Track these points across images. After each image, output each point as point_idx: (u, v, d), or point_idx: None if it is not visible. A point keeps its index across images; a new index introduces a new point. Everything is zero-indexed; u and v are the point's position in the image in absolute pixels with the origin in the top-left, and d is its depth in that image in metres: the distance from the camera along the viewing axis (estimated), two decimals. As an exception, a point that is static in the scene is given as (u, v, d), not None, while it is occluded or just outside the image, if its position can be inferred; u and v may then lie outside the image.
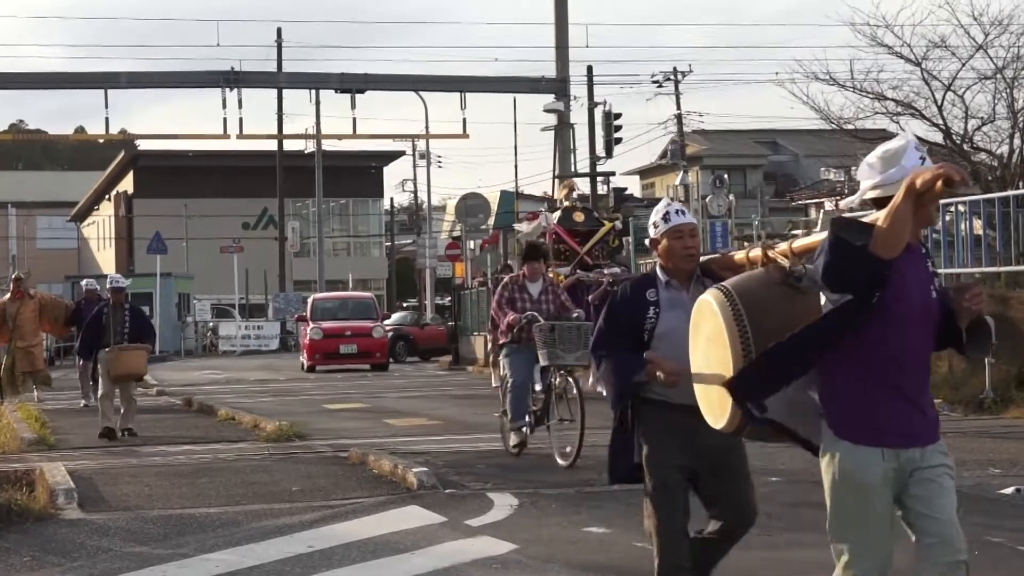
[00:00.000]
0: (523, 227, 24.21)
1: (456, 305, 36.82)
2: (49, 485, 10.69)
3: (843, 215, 5.23)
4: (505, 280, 13.20)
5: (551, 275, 22.17)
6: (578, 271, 22.03)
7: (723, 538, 6.16)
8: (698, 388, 5.24)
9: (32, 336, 20.83)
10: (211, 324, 52.28)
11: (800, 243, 5.08)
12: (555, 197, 26.12)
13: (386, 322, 39.37)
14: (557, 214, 24.74)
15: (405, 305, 58.48)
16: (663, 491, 5.95)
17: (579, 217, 24.36)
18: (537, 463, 12.23)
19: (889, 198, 4.56)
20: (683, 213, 6.02)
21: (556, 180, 34.78)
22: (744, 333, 4.85)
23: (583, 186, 26.50)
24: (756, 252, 5.28)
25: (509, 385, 12.62)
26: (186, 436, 15.79)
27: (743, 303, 4.92)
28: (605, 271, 21.12)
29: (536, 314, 12.41)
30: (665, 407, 5.87)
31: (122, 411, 15.86)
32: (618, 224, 25.88)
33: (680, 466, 5.95)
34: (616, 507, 9.64)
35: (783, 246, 5.11)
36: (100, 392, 15.93)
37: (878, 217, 4.57)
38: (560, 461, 11.99)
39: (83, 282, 23.67)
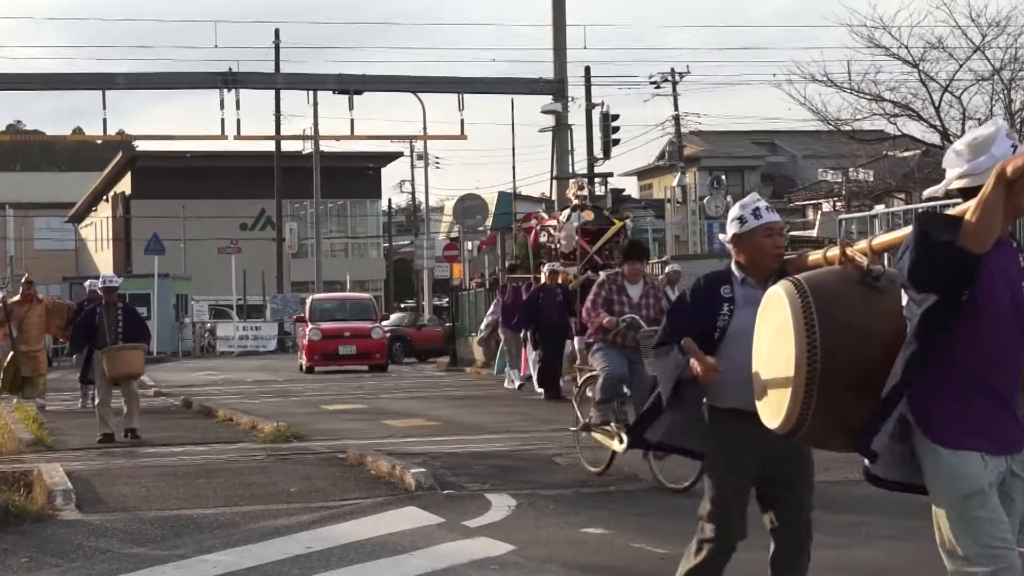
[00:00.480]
0: (559, 235, 23.80)
1: (454, 306, 36.79)
2: (47, 486, 10.68)
3: (928, 210, 4.97)
4: (602, 278, 11.98)
5: (563, 277, 21.94)
6: (588, 271, 21.68)
7: (778, 566, 5.93)
8: (757, 383, 5.01)
9: (36, 341, 20.66)
10: (209, 325, 52.24)
11: (880, 240, 4.84)
12: (565, 195, 25.51)
13: (383, 323, 39.37)
14: (566, 212, 24.42)
15: (403, 306, 58.47)
16: (722, 503, 5.74)
17: (589, 216, 23.97)
18: (534, 464, 12.23)
19: (977, 189, 4.31)
20: (771, 209, 5.76)
21: (554, 181, 34.75)
22: (811, 327, 4.62)
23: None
24: (834, 252, 5.01)
25: (604, 374, 11.18)
26: (184, 437, 15.78)
27: (814, 296, 4.67)
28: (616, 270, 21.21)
29: (637, 317, 11.18)
30: (734, 414, 5.56)
31: (125, 410, 15.53)
32: (629, 223, 25.55)
33: (746, 476, 5.71)
34: (614, 508, 9.65)
35: (862, 244, 4.87)
36: (98, 398, 15.66)
37: (965, 209, 4.33)
38: (667, 484, 10.55)
39: (87, 283, 23.17)
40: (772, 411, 4.85)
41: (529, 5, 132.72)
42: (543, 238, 24.76)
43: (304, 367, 33.16)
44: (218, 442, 15.05)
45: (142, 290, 44.01)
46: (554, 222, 24.31)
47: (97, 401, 15.63)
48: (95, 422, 16.12)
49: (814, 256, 5.29)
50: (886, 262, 4.93)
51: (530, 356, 22.22)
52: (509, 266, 25.32)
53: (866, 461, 4.48)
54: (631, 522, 9.05)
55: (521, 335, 22.40)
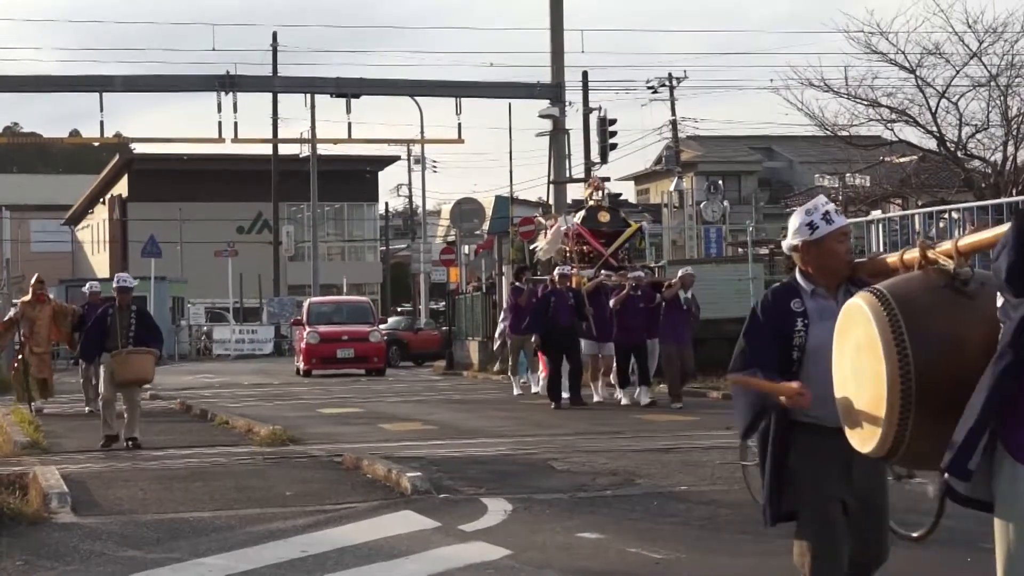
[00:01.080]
0: (540, 243, 23.50)
1: (451, 310, 36.79)
2: (42, 489, 10.67)
3: None
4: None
5: (575, 280, 20.99)
6: (601, 273, 21.32)
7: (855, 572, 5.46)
8: (842, 405, 4.63)
9: (46, 342, 20.30)
10: (205, 328, 52.24)
11: (967, 241, 4.47)
12: (582, 196, 24.72)
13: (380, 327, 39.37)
14: (581, 214, 23.69)
15: (400, 310, 58.46)
16: (824, 525, 5.24)
17: (604, 217, 23.23)
18: (530, 469, 12.23)
19: None
20: (840, 212, 5.32)
21: (551, 185, 34.74)
22: (901, 343, 4.26)
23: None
24: (912, 254, 4.66)
25: None
26: (180, 440, 15.76)
27: (900, 307, 4.32)
28: (628, 274, 20.52)
29: None
30: (818, 431, 5.15)
31: (126, 419, 14.99)
32: (645, 225, 25.05)
33: (838, 496, 5.26)
34: (609, 513, 9.65)
35: (946, 245, 4.52)
36: (102, 398, 15.28)
37: None
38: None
39: (86, 286, 22.57)
40: (864, 435, 4.51)
41: (527, 10, 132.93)
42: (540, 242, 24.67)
43: (301, 371, 33.08)
44: (214, 445, 15.04)
45: (138, 293, 43.89)
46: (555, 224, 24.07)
47: (102, 400, 15.26)
48: (91, 425, 16.11)
49: (891, 259, 4.89)
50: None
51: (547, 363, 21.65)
52: (518, 268, 24.66)
53: (946, 476, 4.10)
54: (627, 527, 9.06)
55: (534, 339, 21.27)
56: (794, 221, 5.31)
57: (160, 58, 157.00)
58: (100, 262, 70.33)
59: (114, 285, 15.54)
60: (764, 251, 27.53)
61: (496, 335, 25.76)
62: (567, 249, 23.58)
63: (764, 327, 5.26)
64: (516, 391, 22.64)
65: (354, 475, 11.94)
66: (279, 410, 20.48)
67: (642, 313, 19.40)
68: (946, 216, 20.69)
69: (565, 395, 19.78)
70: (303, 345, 33.24)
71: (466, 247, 41.21)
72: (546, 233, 23.72)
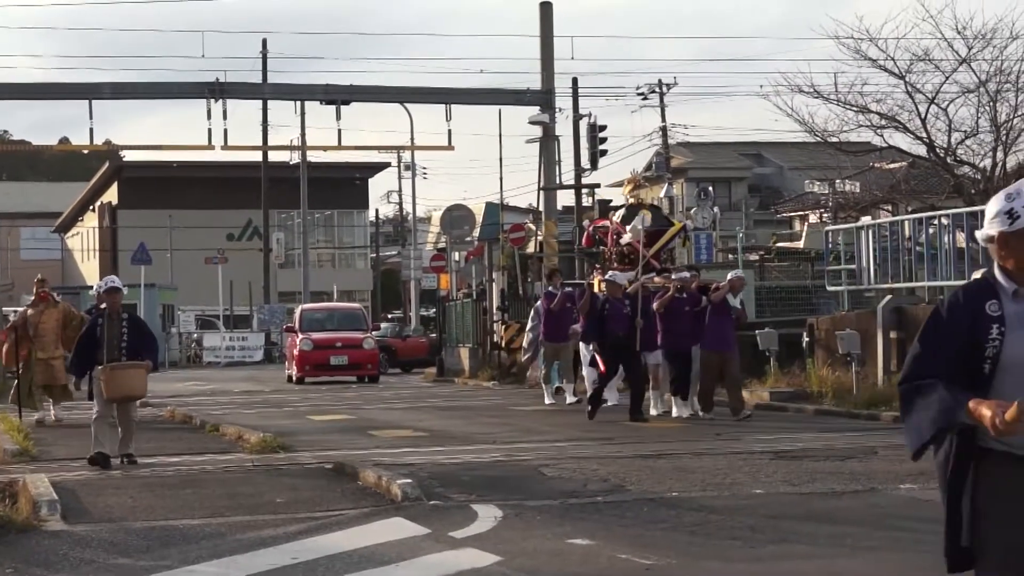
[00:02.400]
0: (626, 238, 21.03)
1: (441, 317, 36.79)
2: (32, 496, 10.65)
3: None
4: None
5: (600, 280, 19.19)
6: (642, 276, 19.58)
7: None
8: None
9: (53, 347, 18.61)
10: (195, 335, 52.19)
11: None
12: (622, 193, 22.63)
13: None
14: (621, 212, 21.83)
15: (390, 317, 58.46)
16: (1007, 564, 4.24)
17: (647, 216, 21.53)
18: (521, 475, 12.23)
19: None
20: None
21: (541, 192, 34.74)
22: None
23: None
24: None
25: None
26: (170, 447, 15.72)
27: None
28: (673, 276, 19.22)
29: None
30: (1011, 461, 4.24)
31: (120, 434, 13.84)
32: (688, 224, 22.63)
33: None
34: (600, 519, 9.65)
35: None
36: (95, 413, 13.73)
37: None
38: None
39: (94, 286, 19.91)
40: None
41: (517, 17, 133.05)
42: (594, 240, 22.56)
43: (294, 378, 32.97)
44: (204, 453, 15.01)
45: (128, 300, 43.84)
46: (607, 223, 21.68)
47: (94, 415, 13.74)
48: (83, 432, 15.91)
49: None
50: None
51: (583, 371, 20.83)
52: (551, 271, 23.35)
53: None
54: (617, 533, 9.05)
55: (590, 347, 19.47)
56: (991, 207, 4.38)
57: (150, 65, 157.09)
58: (90, 270, 70.23)
59: (101, 289, 14.08)
60: (754, 257, 27.62)
61: (525, 343, 24.46)
62: (606, 250, 22.08)
63: (948, 331, 4.31)
64: (548, 400, 21.55)
65: (344, 482, 11.93)
66: (270, 417, 20.45)
67: (687, 317, 18.17)
68: (935, 222, 20.74)
69: (612, 401, 19.01)
70: (296, 352, 33.10)
71: (456, 254, 41.26)
72: (613, 230, 21.56)
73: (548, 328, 21.50)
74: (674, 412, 18.45)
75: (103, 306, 13.94)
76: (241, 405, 24.13)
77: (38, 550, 8.99)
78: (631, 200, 21.47)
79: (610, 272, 19.47)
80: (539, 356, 22.80)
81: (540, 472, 12.32)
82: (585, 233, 22.36)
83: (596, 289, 19.75)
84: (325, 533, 9.40)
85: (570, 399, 21.30)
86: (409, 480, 11.10)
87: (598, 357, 18.80)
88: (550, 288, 21.94)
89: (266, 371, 41.42)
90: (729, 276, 18.84)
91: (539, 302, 23.24)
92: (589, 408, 18.21)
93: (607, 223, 21.21)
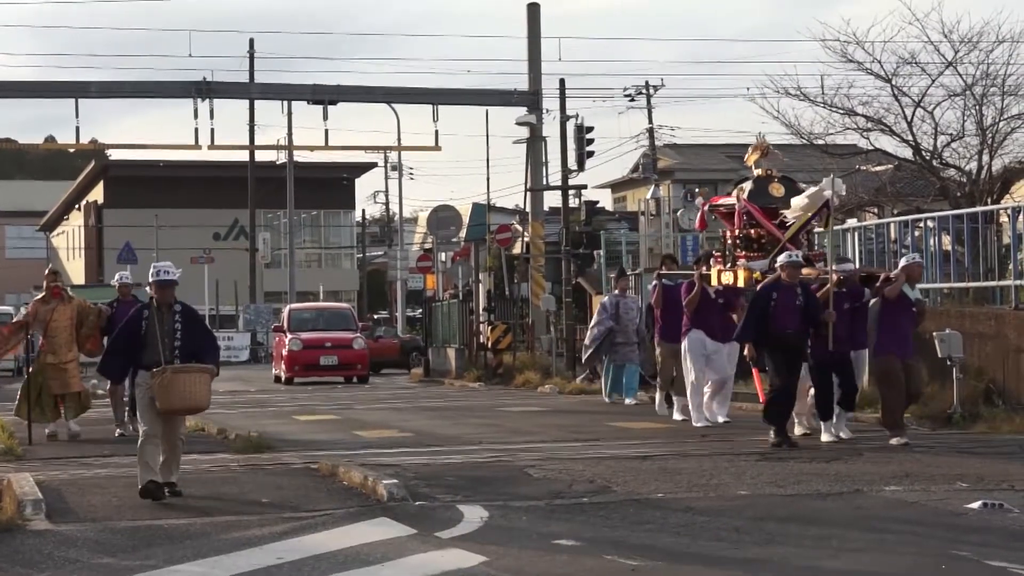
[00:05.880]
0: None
1: (427, 317, 36.76)
2: (16, 496, 10.62)
3: None
4: None
5: (738, 271, 16.48)
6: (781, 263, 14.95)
7: None
8: None
9: (67, 350, 16.27)
10: (181, 335, 52.04)
11: None
12: (745, 163, 18.24)
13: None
14: (748, 186, 17.53)
15: (376, 317, 58.43)
16: None
17: (777, 191, 17.50)
18: (507, 475, 12.24)
19: None
20: None
21: (528, 192, 34.77)
22: None
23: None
24: None
25: None
26: (155, 447, 15.64)
27: None
28: (834, 267, 15.08)
29: None
30: None
31: (162, 459, 11.11)
32: (834, 199, 16.10)
33: None
34: (586, 520, 9.66)
35: None
36: (142, 432, 11.21)
37: None
38: None
39: (116, 277, 17.68)
40: None
41: (504, 18, 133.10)
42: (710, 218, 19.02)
43: (283, 378, 32.79)
44: (189, 452, 14.92)
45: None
46: (731, 200, 17.84)
47: (141, 436, 11.19)
48: (66, 431, 15.86)
49: None
50: None
51: (688, 377, 17.15)
52: (664, 255, 20.55)
53: None
54: (603, 534, 9.06)
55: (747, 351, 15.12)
56: None
57: (136, 64, 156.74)
58: (75, 268, 70.09)
59: (151, 279, 11.21)
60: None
61: (587, 341, 22.09)
62: (729, 234, 17.93)
63: None
64: (677, 415, 17.96)
65: (330, 482, 11.92)
66: (255, 417, 20.43)
67: (846, 316, 14.76)
68: (921, 225, 20.79)
69: (801, 430, 15.19)
70: (285, 352, 32.86)
71: (443, 254, 41.25)
72: (742, 212, 17.28)
73: (666, 325, 18.13)
74: (823, 436, 14.81)
75: (152, 297, 11.25)
76: (227, 404, 24.08)
77: (22, 549, 8.97)
78: (757, 171, 17.45)
79: (788, 253, 14.96)
80: (603, 356, 21.60)
81: (526, 473, 12.32)
82: (699, 213, 18.80)
83: (716, 281, 17.08)
84: (310, 533, 9.39)
85: (678, 415, 17.93)
86: (395, 480, 11.09)
87: (755, 371, 16.24)
88: (664, 279, 18.51)
89: (252, 371, 41.34)
90: (902, 263, 14.91)
91: (606, 298, 21.94)
92: (774, 433, 14.29)
93: (730, 200, 17.80)
